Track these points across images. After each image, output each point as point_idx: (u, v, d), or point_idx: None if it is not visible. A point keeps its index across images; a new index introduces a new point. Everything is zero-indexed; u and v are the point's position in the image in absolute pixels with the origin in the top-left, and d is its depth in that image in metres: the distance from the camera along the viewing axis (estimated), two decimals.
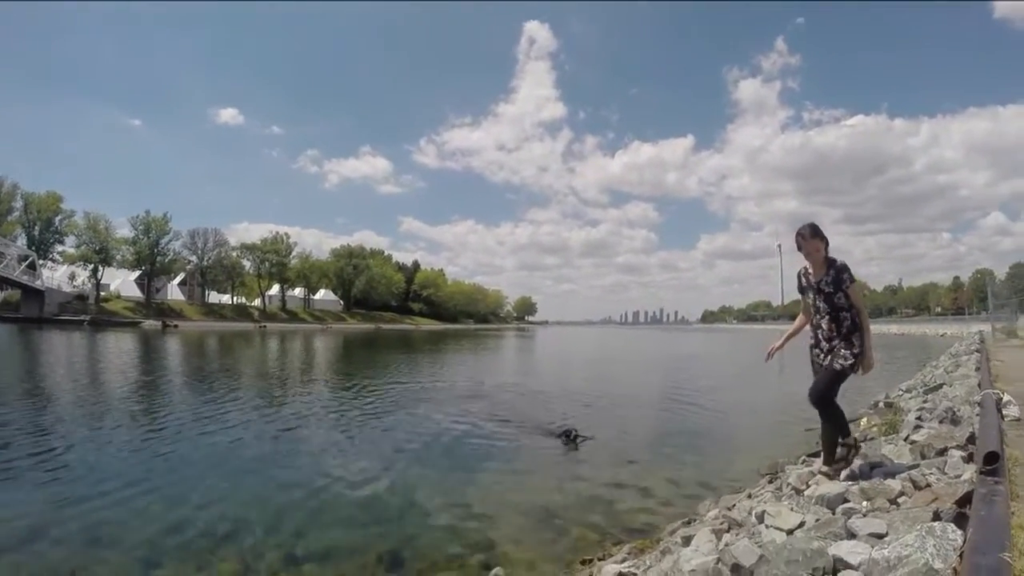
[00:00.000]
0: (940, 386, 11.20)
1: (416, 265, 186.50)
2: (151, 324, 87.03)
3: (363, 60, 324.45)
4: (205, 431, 12.66)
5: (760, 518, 4.99)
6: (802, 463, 7.83)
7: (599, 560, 5.96)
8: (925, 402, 9.50)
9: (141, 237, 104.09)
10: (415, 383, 23.50)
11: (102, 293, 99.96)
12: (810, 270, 5.62)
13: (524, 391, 21.50)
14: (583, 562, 6.04)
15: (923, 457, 5.52)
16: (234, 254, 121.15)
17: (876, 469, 5.41)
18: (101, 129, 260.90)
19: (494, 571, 5.71)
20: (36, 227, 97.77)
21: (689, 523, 6.61)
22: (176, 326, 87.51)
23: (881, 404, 11.50)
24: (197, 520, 7.18)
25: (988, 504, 3.40)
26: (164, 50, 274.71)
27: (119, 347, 41.13)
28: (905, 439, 6.42)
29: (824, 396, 5.40)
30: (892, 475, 4.99)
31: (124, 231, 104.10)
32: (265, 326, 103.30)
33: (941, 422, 7.00)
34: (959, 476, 4.63)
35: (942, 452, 5.40)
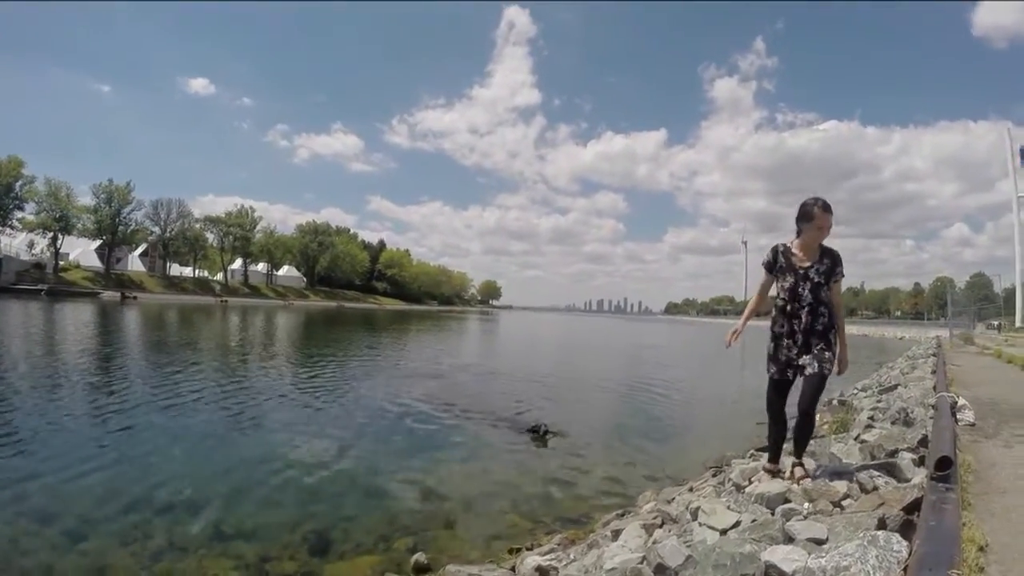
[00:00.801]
0: (895, 387, 11.07)
1: (382, 244, 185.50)
2: (110, 295, 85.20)
3: (338, 35, 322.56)
4: (157, 405, 12.43)
5: (695, 515, 4.69)
6: (749, 457, 7.62)
7: (527, 550, 5.74)
8: (879, 402, 9.32)
9: (103, 206, 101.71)
10: (376, 363, 23.38)
11: (61, 262, 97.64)
12: (794, 251, 4.91)
13: (485, 375, 21.51)
14: (510, 551, 5.84)
15: (873, 458, 5.21)
16: (197, 226, 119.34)
17: (821, 468, 5.11)
18: (68, 95, 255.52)
19: (416, 556, 5.60)
20: None
21: (623, 515, 6.37)
22: (135, 298, 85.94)
23: (835, 402, 11.36)
24: (133, 492, 7.14)
25: (938, 512, 3.09)
26: (136, 16, 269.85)
27: (76, 318, 40.32)
28: (856, 438, 6.19)
29: (813, 405, 4.84)
30: (838, 475, 4.69)
31: (86, 199, 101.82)
32: (226, 300, 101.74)
33: (894, 423, 6.79)
34: (909, 480, 4.34)
35: (893, 454, 5.07)
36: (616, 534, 5.12)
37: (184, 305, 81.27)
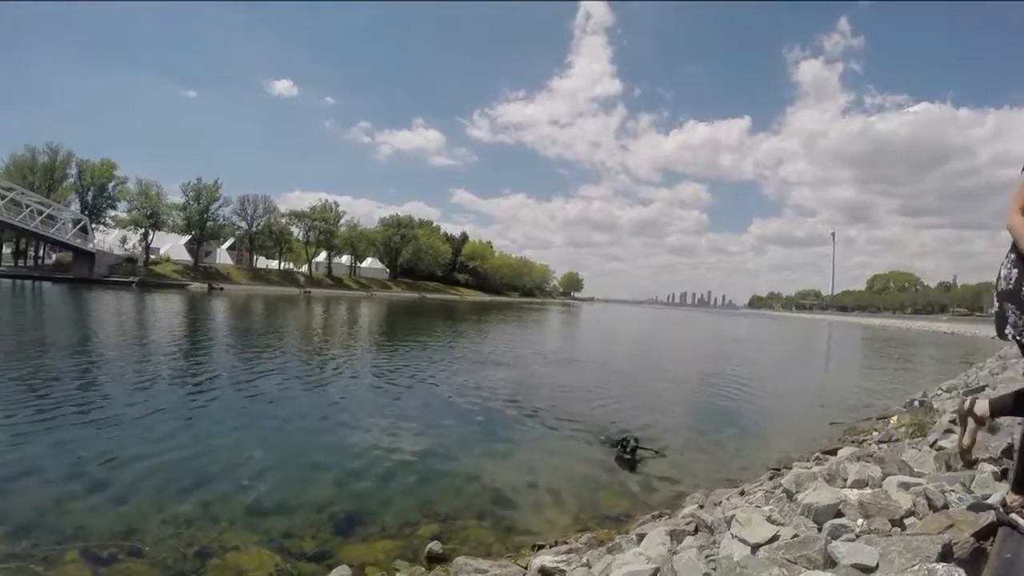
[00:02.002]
0: (983, 388, 10.02)
1: (464, 236, 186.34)
2: (197, 287, 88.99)
3: (416, 32, 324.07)
4: (234, 384, 13.39)
5: (730, 523, 4.17)
6: (813, 460, 6.95)
7: (548, 547, 5.45)
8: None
9: (191, 203, 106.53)
10: (452, 351, 23.59)
11: (152, 256, 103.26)
12: None
13: (560, 364, 21.45)
14: (533, 547, 5.57)
15: (948, 469, 4.64)
16: (283, 221, 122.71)
17: (889, 478, 4.54)
18: (157, 101, 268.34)
19: (431, 544, 5.48)
20: (90, 193, 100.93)
21: (659, 517, 5.94)
22: (222, 289, 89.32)
23: (916, 402, 10.45)
24: (191, 465, 7.60)
25: (1017, 544, 2.44)
26: (220, 24, 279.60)
27: (163, 307, 43.13)
28: (932, 444, 5.62)
29: None
30: (904, 487, 4.12)
31: (176, 198, 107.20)
32: (310, 291, 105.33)
33: None
34: (987, 498, 3.71)
35: (972, 464, 4.46)
36: (640, 538, 4.74)
37: (268, 296, 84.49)
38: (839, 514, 3.79)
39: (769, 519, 4.00)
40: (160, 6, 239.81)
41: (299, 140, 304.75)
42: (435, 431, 10.08)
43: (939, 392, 12.12)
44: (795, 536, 3.57)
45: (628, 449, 8.85)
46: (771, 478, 6.78)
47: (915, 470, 4.74)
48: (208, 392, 12.34)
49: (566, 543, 5.51)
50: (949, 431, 6.00)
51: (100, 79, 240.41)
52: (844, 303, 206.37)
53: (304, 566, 5.17)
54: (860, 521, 3.61)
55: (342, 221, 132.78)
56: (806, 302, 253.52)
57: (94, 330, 25.15)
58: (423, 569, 5.12)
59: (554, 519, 6.47)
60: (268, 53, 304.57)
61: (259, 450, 8.41)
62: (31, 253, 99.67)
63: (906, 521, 3.56)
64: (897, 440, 6.91)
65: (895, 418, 9.12)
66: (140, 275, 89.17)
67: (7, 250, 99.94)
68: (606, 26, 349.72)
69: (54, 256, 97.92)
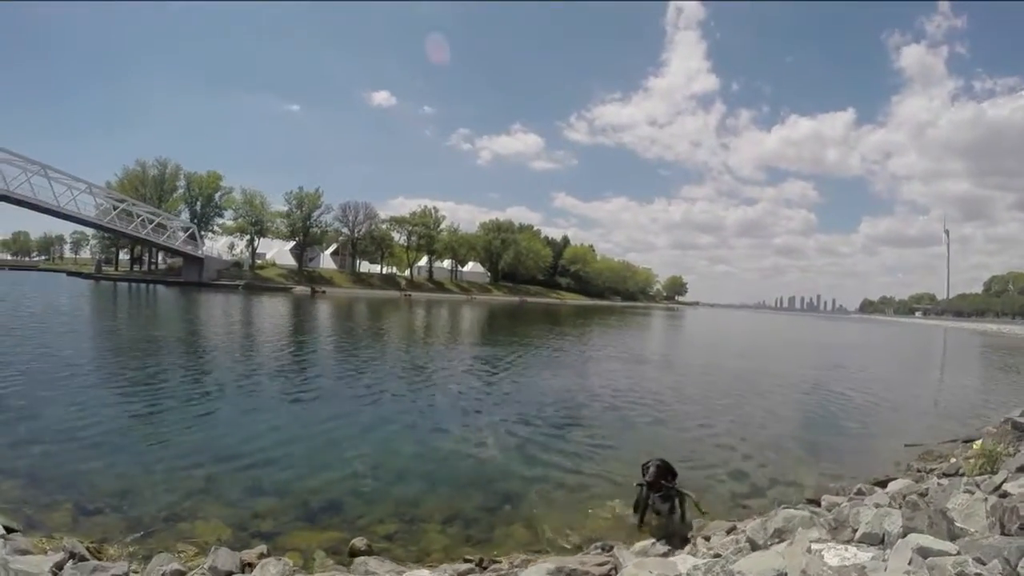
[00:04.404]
0: None
1: (565, 240, 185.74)
2: (301, 290, 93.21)
3: (509, 37, 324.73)
4: (343, 381, 14.93)
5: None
6: (852, 494, 6.45)
7: (477, 565, 5.35)
8: None
9: (294, 211, 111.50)
10: (545, 355, 23.99)
11: (259, 261, 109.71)
12: None
13: (661, 369, 21.99)
14: (479, 561, 5.44)
15: (1003, 530, 3.66)
16: (383, 226, 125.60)
17: (909, 537, 3.63)
18: (261, 116, 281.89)
19: (354, 540, 5.63)
20: (198, 203, 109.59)
21: (580, 550, 5.75)
22: (324, 292, 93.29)
23: (1010, 423, 8.97)
24: (252, 445, 8.69)
25: None
26: (317, 40, 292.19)
27: (271, 309, 46.69)
28: (995, 488, 4.59)
29: None
30: (920, 554, 3.32)
31: (281, 206, 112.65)
32: (410, 295, 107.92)
33: None
34: None
35: None
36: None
37: (370, 299, 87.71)
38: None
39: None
40: (257, 27, 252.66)
41: (400, 149, 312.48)
42: (524, 433, 10.37)
43: None
44: None
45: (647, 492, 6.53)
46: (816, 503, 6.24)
47: (956, 524, 3.82)
48: (314, 380, 14.41)
49: (496, 563, 5.37)
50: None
51: (207, 99, 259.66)
52: (959, 307, 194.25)
53: (246, 539, 5.48)
54: None
55: (442, 226, 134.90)
56: (919, 306, 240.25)
57: (207, 327, 28.95)
58: (332, 562, 5.26)
59: (516, 536, 6.29)
60: (365, 66, 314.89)
61: (289, 434, 9.42)
62: (145, 259, 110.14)
63: None
64: (963, 474, 5.94)
65: (979, 443, 7.86)
66: (246, 279, 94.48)
67: (124, 256, 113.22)
68: (698, 20, 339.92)
69: (167, 262, 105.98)
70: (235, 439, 8.95)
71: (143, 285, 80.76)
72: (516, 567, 5.04)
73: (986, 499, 4.10)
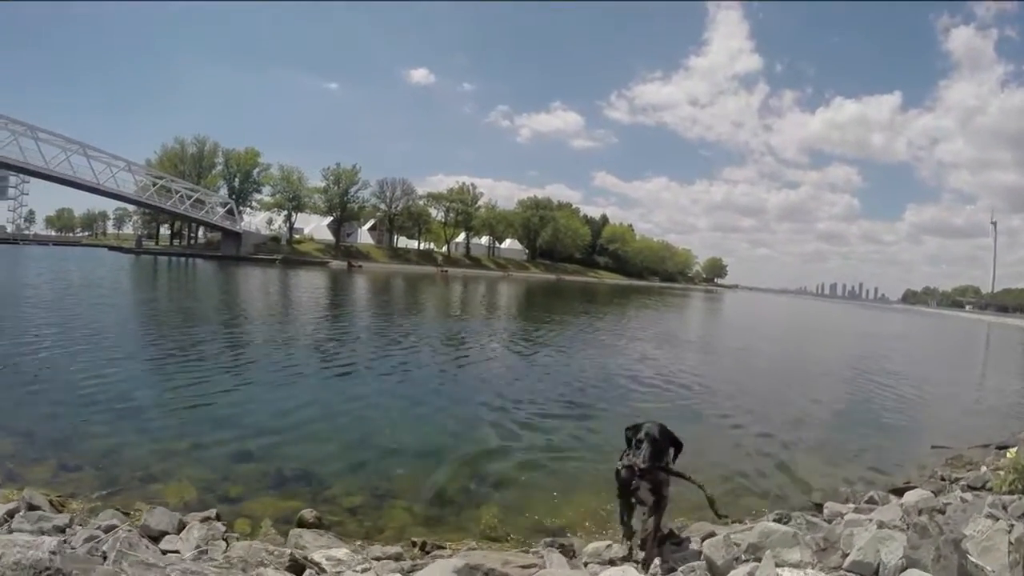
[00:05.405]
0: None
1: (604, 219, 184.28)
2: (337, 264, 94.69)
3: (548, 16, 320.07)
4: (358, 354, 15.14)
5: None
6: (863, 502, 6.07)
7: (420, 548, 5.22)
8: None
9: (332, 186, 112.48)
10: (573, 334, 24.08)
11: (296, 236, 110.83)
12: None
13: (695, 355, 21.16)
14: (422, 545, 5.27)
15: None
16: (421, 202, 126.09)
17: (912, 571, 3.23)
18: (300, 94, 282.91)
19: (303, 511, 5.59)
20: (236, 179, 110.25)
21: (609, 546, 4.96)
22: (360, 266, 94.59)
23: None
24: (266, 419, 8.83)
25: None
26: (355, 17, 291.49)
27: (305, 282, 48.00)
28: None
29: None
30: None
31: (319, 182, 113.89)
32: (447, 270, 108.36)
33: None
34: None
35: None
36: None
37: (406, 274, 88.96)
38: None
39: None
40: (296, 4, 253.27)
41: (439, 125, 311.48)
42: (477, 421, 9.81)
43: None
44: None
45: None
46: (779, 519, 5.28)
47: (970, 558, 3.18)
48: (361, 363, 13.91)
49: (441, 548, 5.23)
50: None
51: (245, 76, 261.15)
52: (1004, 302, 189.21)
53: (211, 502, 5.64)
54: None
55: (480, 203, 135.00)
56: (963, 299, 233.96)
57: (236, 299, 30.55)
58: (274, 531, 5.26)
59: (470, 520, 6.07)
60: (404, 44, 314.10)
61: (292, 404, 9.63)
62: (185, 234, 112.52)
63: None
64: (989, 489, 5.33)
65: (1014, 451, 6.37)
66: (283, 253, 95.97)
67: (165, 231, 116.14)
68: None
69: (207, 236, 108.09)
70: (237, 408, 9.20)
71: (182, 259, 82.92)
72: (448, 557, 4.76)
73: (1011, 528, 3.44)
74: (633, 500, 4.58)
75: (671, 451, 4.52)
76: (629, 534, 4.66)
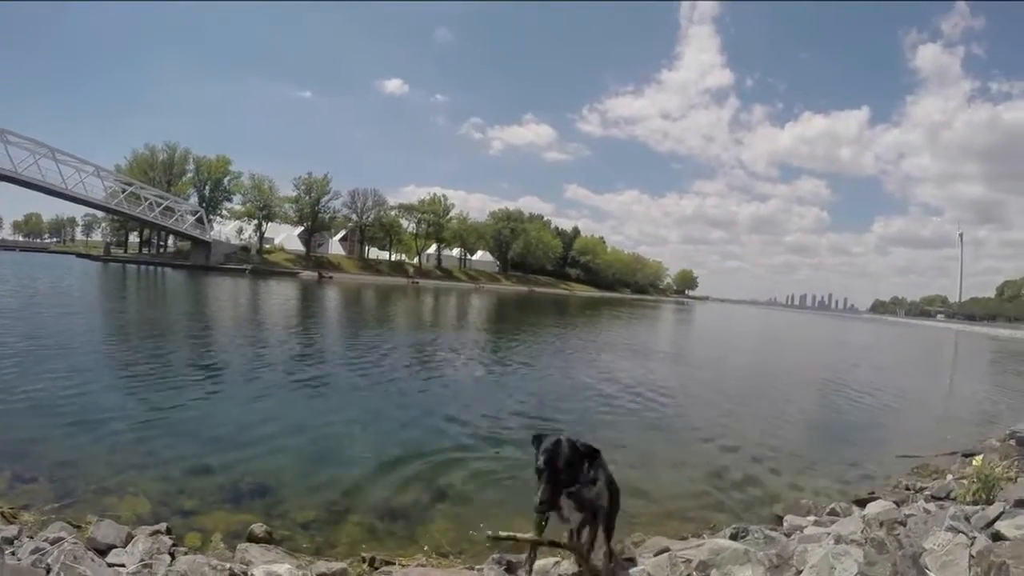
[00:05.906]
0: None
1: (575, 232, 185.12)
2: (308, 275, 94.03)
3: (521, 28, 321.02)
4: (345, 368, 15.21)
5: None
6: (824, 515, 6.15)
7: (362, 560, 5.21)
8: None
9: (303, 196, 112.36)
10: (543, 347, 24.24)
11: (267, 246, 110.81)
12: None
13: (663, 365, 21.69)
14: (372, 561, 5.21)
15: None
16: (392, 213, 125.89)
17: None
18: (273, 103, 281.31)
19: (253, 526, 5.60)
20: (206, 187, 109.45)
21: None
22: (331, 277, 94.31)
23: (1012, 440, 8.46)
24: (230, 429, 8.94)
25: None
26: (330, 26, 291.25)
27: (274, 293, 47.65)
28: (988, 525, 4.07)
29: None
30: None
31: (290, 191, 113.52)
32: (418, 282, 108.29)
33: None
34: None
35: None
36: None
37: (377, 285, 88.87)
38: None
39: None
40: (270, 13, 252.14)
41: (412, 136, 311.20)
42: (447, 434, 9.80)
43: None
44: None
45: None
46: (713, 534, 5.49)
47: (929, 575, 3.25)
48: (318, 367, 14.98)
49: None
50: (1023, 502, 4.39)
51: (218, 84, 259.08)
52: (972, 311, 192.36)
53: (165, 515, 5.65)
54: None
55: (451, 214, 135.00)
56: (931, 309, 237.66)
57: (212, 310, 30.98)
58: (223, 546, 5.23)
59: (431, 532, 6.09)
60: (378, 53, 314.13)
61: (257, 418, 9.70)
62: (154, 242, 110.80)
63: None
64: (954, 499, 5.36)
65: (979, 459, 6.70)
66: (254, 263, 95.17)
67: (134, 239, 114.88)
68: (712, 15, 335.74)
69: (176, 245, 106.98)
70: (198, 422, 9.21)
71: (151, 268, 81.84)
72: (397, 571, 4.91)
73: (971, 543, 3.54)
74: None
75: (585, 465, 3.84)
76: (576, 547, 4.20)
